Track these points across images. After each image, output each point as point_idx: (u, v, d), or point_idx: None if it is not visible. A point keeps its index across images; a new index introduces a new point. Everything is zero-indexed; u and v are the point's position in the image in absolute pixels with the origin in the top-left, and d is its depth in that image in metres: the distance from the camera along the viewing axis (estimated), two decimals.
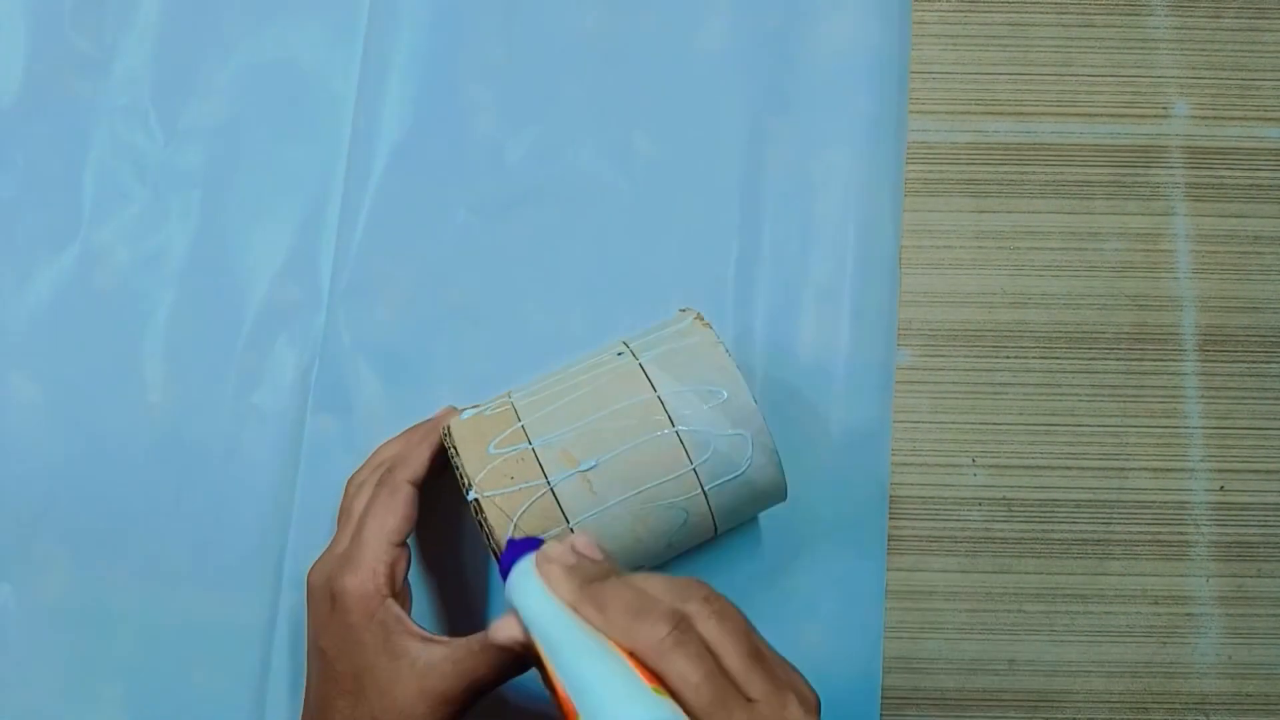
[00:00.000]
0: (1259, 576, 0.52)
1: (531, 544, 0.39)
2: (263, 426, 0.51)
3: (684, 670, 0.33)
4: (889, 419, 0.52)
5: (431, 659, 0.41)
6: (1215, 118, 0.54)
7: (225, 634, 0.49)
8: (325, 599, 0.42)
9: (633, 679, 0.33)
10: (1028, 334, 0.53)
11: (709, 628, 0.35)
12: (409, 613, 0.44)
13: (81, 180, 0.53)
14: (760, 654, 0.35)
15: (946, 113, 0.54)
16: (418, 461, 0.44)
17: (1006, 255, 0.54)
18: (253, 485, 0.50)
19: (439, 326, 0.52)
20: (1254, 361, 0.53)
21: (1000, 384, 0.53)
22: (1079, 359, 0.53)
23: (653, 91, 0.54)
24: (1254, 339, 0.53)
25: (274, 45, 0.54)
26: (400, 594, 0.43)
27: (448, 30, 0.54)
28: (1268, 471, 0.52)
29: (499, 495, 0.41)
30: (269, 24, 0.54)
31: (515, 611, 0.37)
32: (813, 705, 0.35)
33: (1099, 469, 0.52)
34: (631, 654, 0.34)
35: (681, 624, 0.34)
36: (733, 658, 0.34)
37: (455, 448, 0.42)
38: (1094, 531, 0.52)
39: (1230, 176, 0.54)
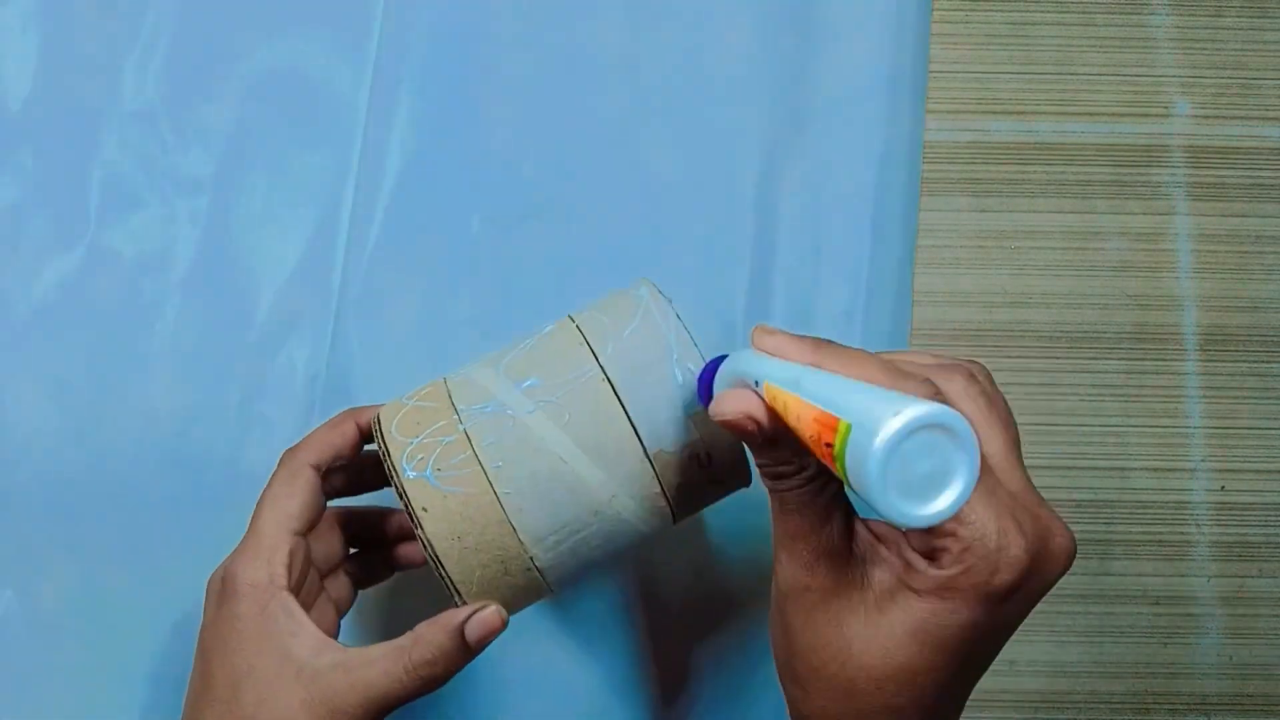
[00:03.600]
0: (1260, 576, 0.52)
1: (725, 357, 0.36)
2: (269, 434, 0.51)
3: None
4: None
5: (320, 665, 0.36)
6: (1216, 117, 0.54)
7: None
8: (215, 589, 0.38)
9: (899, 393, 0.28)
10: (1029, 333, 0.53)
11: (970, 408, 0.31)
12: (337, 626, 0.42)
13: (89, 184, 0.53)
14: (1019, 452, 0.32)
15: (948, 112, 0.54)
16: (320, 443, 0.41)
17: (1007, 255, 0.54)
18: (258, 492, 0.50)
19: (448, 338, 0.52)
20: (1255, 361, 0.53)
21: (1001, 383, 0.52)
22: (1080, 359, 0.53)
23: (669, 107, 0.53)
24: (1255, 339, 0.53)
25: (285, 53, 0.53)
26: (307, 590, 0.40)
27: (462, 40, 0.53)
28: (1269, 471, 0.52)
29: (400, 421, 0.39)
30: (280, 31, 0.53)
31: (741, 384, 0.33)
32: (1069, 529, 0.31)
33: (1100, 469, 0.52)
34: None
35: (940, 396, 0.30)
36: (994, 444, 0.31)
37: (378, 417, 0.40)
38: (1095, 531, 0.52)
39: (1231, 176, 0.54)
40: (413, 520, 0.37)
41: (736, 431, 0.32)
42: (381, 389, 0.51)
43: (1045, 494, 0.51)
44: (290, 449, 0.41)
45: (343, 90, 0.53)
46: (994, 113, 0.54)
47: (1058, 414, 0.52)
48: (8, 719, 0.49)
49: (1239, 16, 0.55)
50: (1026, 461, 0.52)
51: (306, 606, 0.38)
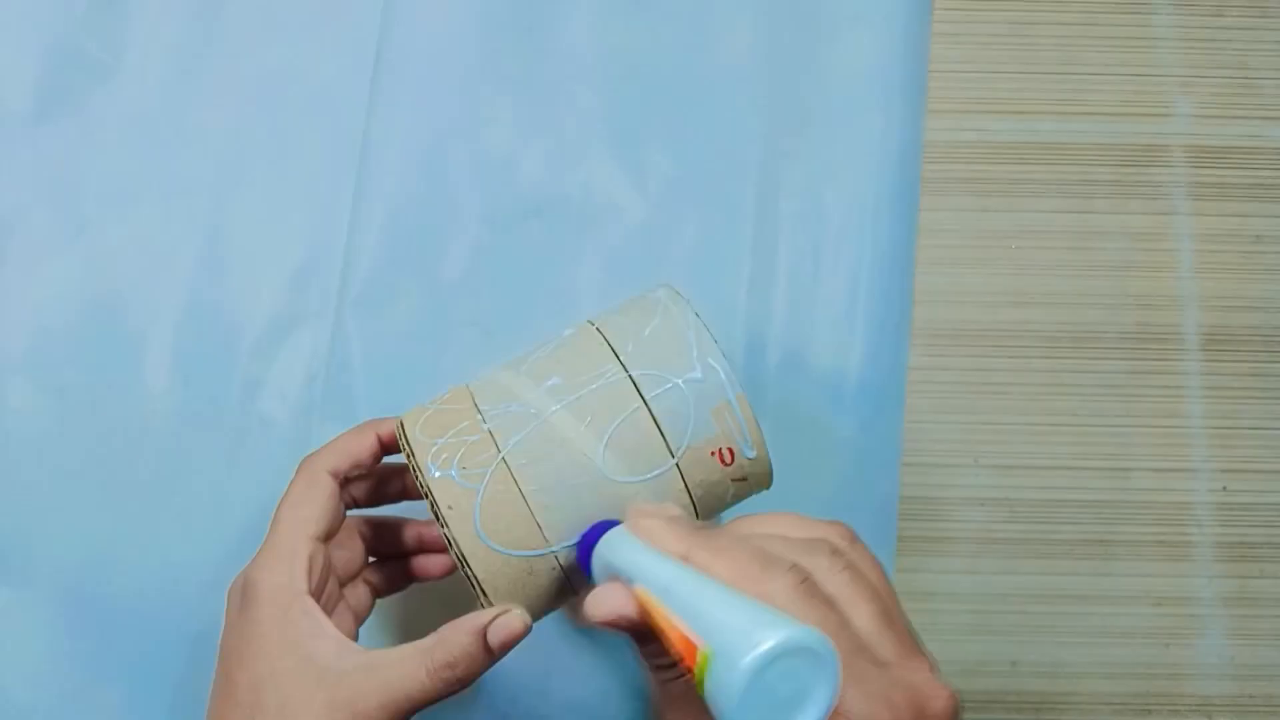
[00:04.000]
0: (1262, 577, 0.51)
1: (607, 524, 0.37)
2: (268, 435, 0.50)
3: (809, 622, 0.29)
4: (900, 438, 0.51)
5: (344, 667, 0.36)
6: (1217, 116, 0.54)
7: None
8: (237, 595, 0.38)
9: (766, 607, 0.29)
10: (1030, 333, 0.53)
11: (836, 584, 0.32)
12: (356, 633, 0.42)
13: (89, 185, 0.52)
14: (891, 617, 0.32)
15: (949, 111, 0.54)
16: (339, 450, 0.41)
17: (1009, 254, 0.53)
18: (256, 494, 0.50)
19: (448, 338, 0.51)
20: (1257, 361, 0.53)
21: (1002, 383, 0.53)
22: (1081, 358, 0.53)
23: (669, 108, 0.53)
24: (1257, 338, 0.53)
25: (285, 53, 0.53)
26: (327, 597, 0.40)
27: (462, 41, 0.53)
28: (1270, 471, 0.52)
29: (424, 424, 0.39)
30: (280, 32, 0.53)
31: (614, 578, 0.34)
32: (945, 687, 0.31)
33: (1101, 469, 0.52)
34: None
35: (808, 580, 0.31)
36: (863, 618, 0.31)
37: (401, 421, 0.40)
38: (1097, 532, 0.52)
39: (1232, 175, 0.54)
40: (438, 519, 0.38)
41: (612, 629, 0.33)
42: (382, 389, 0.51)
43: (1047, 494, 0.52)
44: (309, 455, 0.41)
45: (343, 91, 0.53)
46: (995, 112, 0.54)
47: (1059, 414, 0.52)
48: (6, 718, 0.49)
49: (1240, 16, 0.55)
50: (1029, 462, 0.52)
51: (326, 613, 0.38)
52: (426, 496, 0.38)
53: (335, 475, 0.40)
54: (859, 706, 0.30)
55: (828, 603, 0.31)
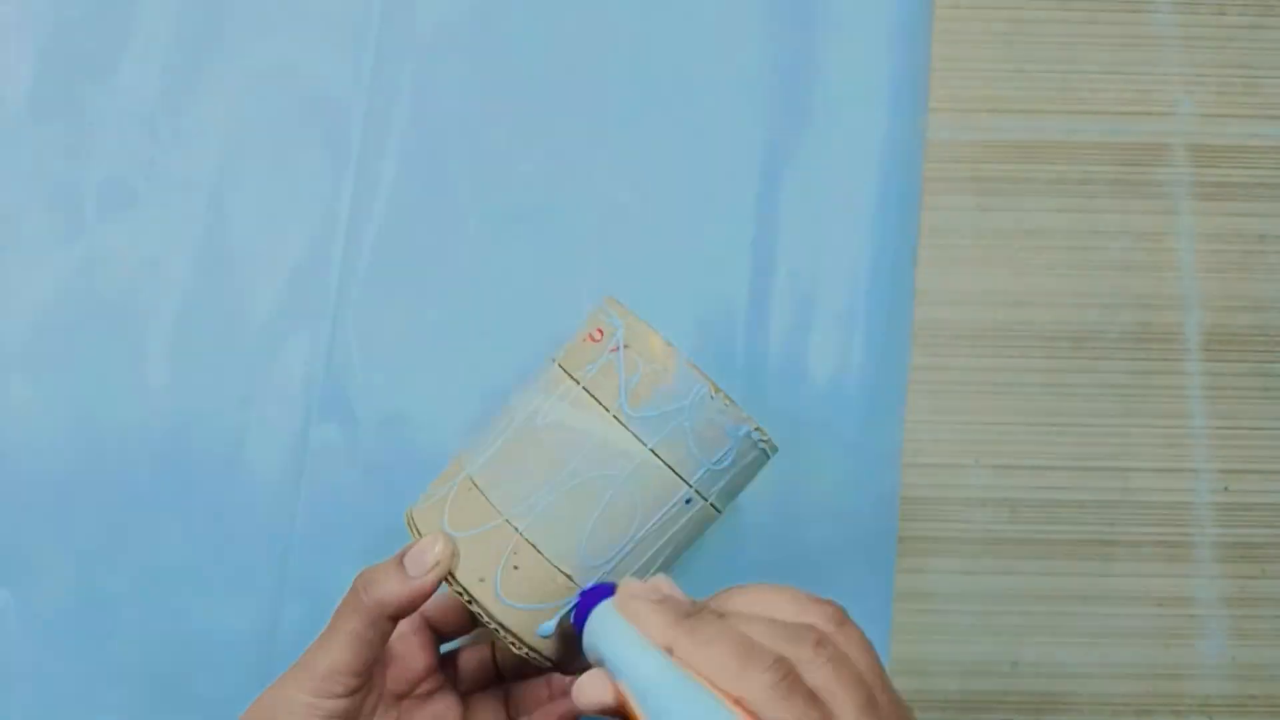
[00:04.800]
0: (1263, 578, 0.51)
1: (605, 590, 0.37)
2: (267, 434, 0.50)
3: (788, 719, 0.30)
4: (900, 438, 0.51)
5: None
6: (1220, 115, 0.54)
7: (227, 641, 0.49)
8: None
9: None
10: (1031, 333, 0.53)
11: (821, 676, 0.32)
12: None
13: (87, 185, 0.52)
14: (874, 704, 0.32)
15: (950, 110, 0.54)
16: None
17: (1010, 253, 0.53)
18: (256, 493, 0.50)
19: (446, 337, 0.51)
20: (1259, 361, 0.53)
21: (1003, 383, 0.53)
22: (1083, 358, 0.53)
23: (669, 107, 0.53)
24: (1259, 338, 0.53)
25: (283, 51, 0.53)
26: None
27: (459, 39, 0.53)
28: (1272, 472, 0.52)
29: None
30: (278, 30, 0.53)
31: (601, 665, 0.34)
32: None
33: (1103, 469, 0.52)
34: (738, 701, 0.31)
35: (791, 674, 0.31)
36: (846, 711, 0.32)
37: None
38: (1098, 532, 0.52)
39: (1235, 174, 0.54)
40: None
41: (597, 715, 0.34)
42: (381, 389, 0.51)
43: (1048, 494, 0.52)
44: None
45: (340, 89, 0.53)
46: (996, 111, 0.54)
47: (1060, 414, 0.52)
48: (6, 718, 0.49)
49: (1243, 15, 0.55)
50: (1030, 462, 0.52)
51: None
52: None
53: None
54: None
55: (810, 697, 0.31)
